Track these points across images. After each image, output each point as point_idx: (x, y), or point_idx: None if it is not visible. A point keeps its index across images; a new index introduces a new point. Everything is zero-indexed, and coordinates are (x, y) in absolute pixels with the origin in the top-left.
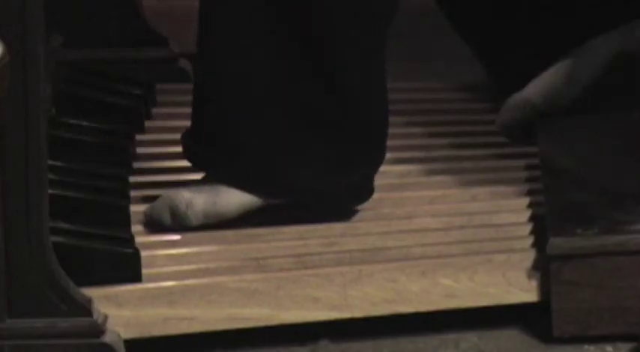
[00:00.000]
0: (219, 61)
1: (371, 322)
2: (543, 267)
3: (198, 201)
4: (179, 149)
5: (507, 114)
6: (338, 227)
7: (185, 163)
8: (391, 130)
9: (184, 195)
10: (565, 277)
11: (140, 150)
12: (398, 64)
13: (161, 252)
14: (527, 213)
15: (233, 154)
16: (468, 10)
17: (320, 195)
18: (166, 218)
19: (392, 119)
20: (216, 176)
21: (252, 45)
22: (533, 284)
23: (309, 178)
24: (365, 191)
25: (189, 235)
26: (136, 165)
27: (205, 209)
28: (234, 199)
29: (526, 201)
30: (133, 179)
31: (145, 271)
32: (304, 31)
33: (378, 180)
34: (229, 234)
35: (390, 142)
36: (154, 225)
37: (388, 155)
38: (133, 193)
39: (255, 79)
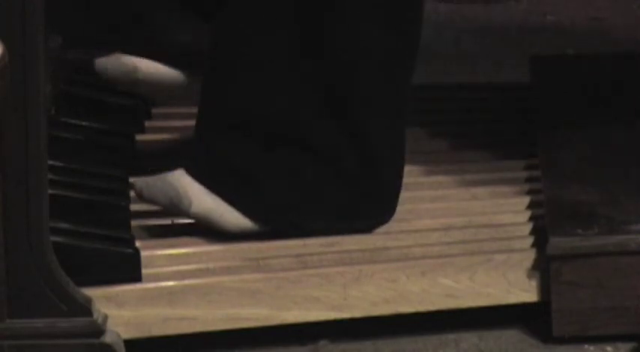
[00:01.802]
0: (239, 102)
1: (371, 322)
2: (543, 267)
3: (203, 205)
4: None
5: None
6: None
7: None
8: None
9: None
10: (565, 277)
11: (140, 150)
12: None
13: (161, 252)
14: (527, 213)
15: (247, 187)
16: None
17: (317, 231)
18: (162, 202)
19: None
20: (232, 202)
21: (275, 86)
22: (533, 284)
23: (314, 220)
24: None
25: (189, 235)
26: (136, 165)
27: (206, 215)
28: (236, 223)
29: (526, 201)
30: (132, 179)
31: (144, 271)
32: (327, 80)
33: None
34: (229, 234)
35: None
36: (142, 199)
37: None
38: (133, 193)
39: (273, 119)
